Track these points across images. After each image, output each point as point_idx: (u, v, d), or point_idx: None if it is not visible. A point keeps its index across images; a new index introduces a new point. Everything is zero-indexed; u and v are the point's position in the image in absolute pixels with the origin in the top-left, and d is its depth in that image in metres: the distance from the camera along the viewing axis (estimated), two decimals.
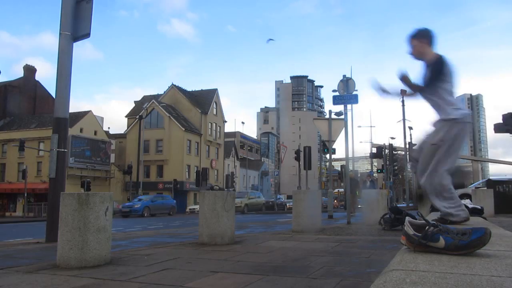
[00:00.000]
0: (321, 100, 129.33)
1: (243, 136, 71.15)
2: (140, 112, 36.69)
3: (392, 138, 49.19)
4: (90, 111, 42.80)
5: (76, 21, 6.39)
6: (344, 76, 10.99)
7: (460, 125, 3.10)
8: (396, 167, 38.07)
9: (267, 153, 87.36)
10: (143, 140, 34.10)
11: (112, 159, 43.64)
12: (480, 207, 4.81)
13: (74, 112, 39.81)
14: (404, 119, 32.41)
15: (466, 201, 4.65)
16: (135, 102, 53.15)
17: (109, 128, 67.61)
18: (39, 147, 37.38)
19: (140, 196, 28.83)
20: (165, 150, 44.18)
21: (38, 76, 48.77)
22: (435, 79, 3.12)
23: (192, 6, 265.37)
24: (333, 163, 15.07)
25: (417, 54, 3.30)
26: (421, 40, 3.27)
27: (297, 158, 26.06)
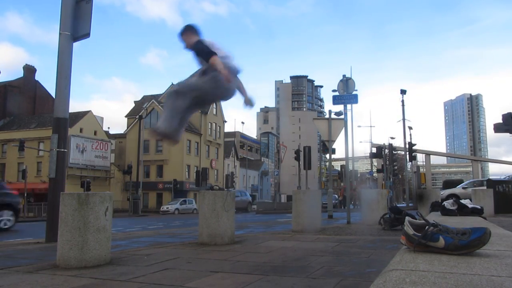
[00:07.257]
0: (321, 100, 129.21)
1: (243, 136, 71.12)
2: (140, 112, 36.66)
3: (392, 138, 49.25)
4: (90, 111, 42.81)
5: (76, 21, 6.39)
6: (344, 76, 10.99)
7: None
8: (396, 167, 38.04)
9: (267, 153, 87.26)
10: (143, 140, 34.06)
11: (112, 159, 43.60)
12: (480, 207, 4.80)
13: (74, 112, 39.81)
14: (404, 119, 32.41)
15: (466, 201, 4.64)
16: (135, 102, 53.16)
17: (108, 128, 67.60)
18: (39, 147, 37.36)
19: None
20: (165, 150, 44.14)
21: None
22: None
23: None
24: (333, 163, 15.05)
25: (188, 46, 3.74)
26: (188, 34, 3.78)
27: (297, 158, 26.05)
